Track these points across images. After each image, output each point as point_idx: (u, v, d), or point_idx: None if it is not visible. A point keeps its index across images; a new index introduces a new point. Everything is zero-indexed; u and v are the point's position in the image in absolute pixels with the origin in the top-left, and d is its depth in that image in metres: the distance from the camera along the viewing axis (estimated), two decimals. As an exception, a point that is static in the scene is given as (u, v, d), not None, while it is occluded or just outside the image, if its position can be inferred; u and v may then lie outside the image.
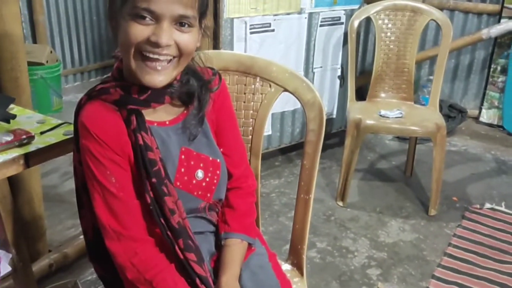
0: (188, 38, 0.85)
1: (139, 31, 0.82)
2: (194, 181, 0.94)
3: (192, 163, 0.94)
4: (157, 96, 0.89)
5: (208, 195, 0.97)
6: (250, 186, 1.06)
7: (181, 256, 0.88)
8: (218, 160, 0.98)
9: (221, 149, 1.00)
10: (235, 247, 0.98)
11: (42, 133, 1.17)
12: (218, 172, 0.97)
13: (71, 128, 1.19)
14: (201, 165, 0.95)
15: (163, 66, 0.85)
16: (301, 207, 1.16)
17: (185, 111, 0.96)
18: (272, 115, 2.57)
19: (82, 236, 1.91)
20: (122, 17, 0.83)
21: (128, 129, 0.88)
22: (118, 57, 0.92)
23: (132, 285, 0.87)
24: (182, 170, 0.93)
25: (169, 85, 0.89)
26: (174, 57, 0.85)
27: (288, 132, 2.70)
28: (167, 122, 0.93)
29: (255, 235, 1.05)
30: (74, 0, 3.84)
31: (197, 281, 0.89)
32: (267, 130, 2.58)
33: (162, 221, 0.87)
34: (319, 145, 1.11)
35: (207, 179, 0.96)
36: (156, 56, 0.83)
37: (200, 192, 0.95)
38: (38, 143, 1.12)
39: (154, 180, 0.87)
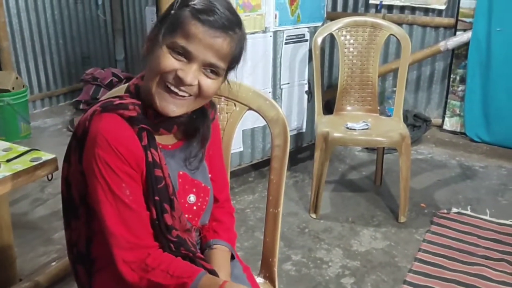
0: (211, 84, 0.90)
1: (170, 63, 0.87)
2: (186, 205, 0.99)
3: (186, 187, 0.99)
4: (168, 124, 0.94)
5: (196, 219, 1.02)
6: (231, 208, 1.14)
7: (199, 261, 0.95)
8: (209, 187, 1.03)
9: (210, 175, 1.05)
10: (224, 252, 1.04)
11: (8, 161, 1.17)
12: (207, 198, 1.02)
13: (39, 154, 1.20)
14: (194, 190, 1.00)
15: (180, 99, 0.89)
16: (271, 221, 1.19)
17: (185, 139, 1.01)
18: (243, 131, 2.61)
19: (54, 263, 1.89)
20: (159, 45, 0.87)
21: (141, 146, 0.92)
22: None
23: None
24: (177, 190, 0.98)
25: (179, 116, 0.93)
26: (191, 95, 0.90)
27: (259, 148, 2.74)
28: (170, 146, 0.99)
29: (235, 252, 1.11)
30: (38, 24, 3.82)
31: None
32: (239, 147, 2.61)
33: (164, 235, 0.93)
34: (285, 160, 1.15)
35: (198, 204, 1.01)
36: (176, 90, 0.88)
37: (190, 216, 1.00)
38: (5, 171, 1.12)
39: (157, 198, 0.91)
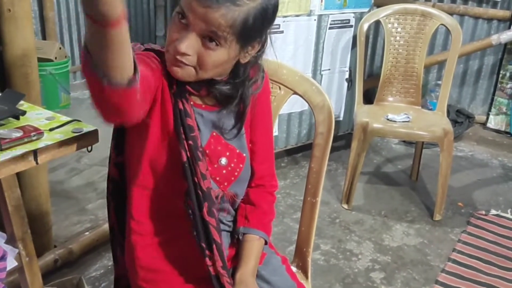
0: (209, 56, 0.84)
1: (172, 31, 0.85)
2: (216, 165, 0.95)
3: (219, 148, 0.95)
4: (195, 84, 0.90)
5: (226, 183, 0.97)
6: (273, 186, 1.07)
7: (206, 218, 0.90)
8: (244, 155, 0.98)
9: (251, 144, 1.01)
10: (253, 243, 0.99)
11: (51, 130, 1.17)
12: (241, 165, 0.98)
13: (80, 125, 1.20)
14: (227, 153, 0.96)
15: (181, 66, 0.85)
16: (308, 210, 1.16)
17: (219, 105, 0.96)
18: (279, 116, 2.56)
19: (87, 233, 1.93)
20: (175, 7, 0.86)
21: (170, 91, 0.90)
22: None
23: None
24: (207, 151, 0.94)
25: (211, 81, 0.90)
26: (192, 66, 0.85)
27: (294, 134, 2.70)
28: (203, 106, 0.94)
29: (271, 234, 1.06)
30: (84, -3, 3.86)
31: (214, 247, 0.90)
32: (274, 131, 2.58)
33: (195, 180, 0.89)
34: (328, 149, 1.12)
35: (229, 168, 0.96)
36: (176, 57, 0.84)
37: (218, 178, 0.96)
38: (47, 140, 1.12)
39: (190, 142, 0.89)
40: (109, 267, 1.85)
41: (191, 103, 0.92)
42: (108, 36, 0.63)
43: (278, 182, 1.10)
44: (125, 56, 0.67)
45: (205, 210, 0.90)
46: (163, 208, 0.96)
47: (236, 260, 1.00)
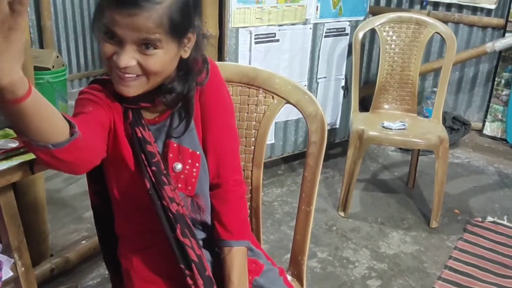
0: (151, 61, 0.83)
1: (106, 48, 0.84)
2: (173, 173, 0.95)
3: (171, 155, 0.95)
4: (146, 96, 0.90)
5: (189, 188, 0.97)
6: (233, 180, 1.01)
7: (181, 239, 0.90)
8: (198, 152, 0.97)
9: (205, 139, 0.98)
10: (229, 256, 0.97)
11: (47, 139, 1.18)
12: (197, 164, 0.97)
13: (76, 135, 1.21)
14: (179, 157, 0.96)
15: (131, 81, 0.85)
16: (302, 218, 1.16)
17: (170, 107, 0.95)
18: (276, 124, 2.58)
19: (84, 241, 1.93)
20: (98, 31, 0.85)
21: (125, 123, 0.91)
22: None
23: None
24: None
25: (160, 86, 0.90)
26: (139, 75, 0.85)
27: (291, 141, 2.71)
28: (156, 119, 0.95)
29: (249, 235, 1.03)
30: (81, 5, 3.89)
31: (193, 266, 0.91)
32: (270, 139, 2.59)
33: (164, 204, 0.90)
34: (321, 158, 1.12)
35: (186, 171, 0.96)
36: (120, 74, 0.84)
37: (180, 185, 0.96)
38: (43, 149, 1.13)
39: (154, 168, 0.90)
40: (106, 276, 1.85)
41: (146, 125, 0.92)
42: (25, 109, 0.65)
43: (242, 175, 1.05)
44: (51, 117, 0.70)
45: (178, 231, 0.91)
46: (145, 228, 0.98)
47: (220, 272, 0.98)
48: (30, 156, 1.09)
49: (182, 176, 0.96)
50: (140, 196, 0.92)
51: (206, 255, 0.99)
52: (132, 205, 0.97)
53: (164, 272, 0.98)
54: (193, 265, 0.91)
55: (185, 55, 0.90)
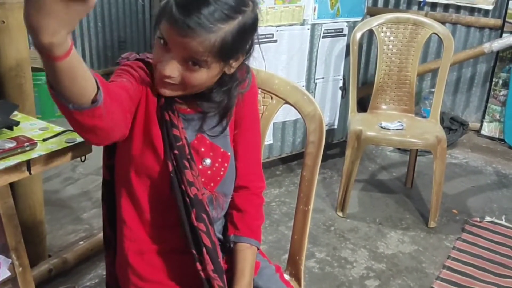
0: (193, 76, 0.86)
1: (156, 54, 0.88)
2: (200, 166, 0.96)
3: (202, 149, 0.97)
4: (183, 98, 0.93)
5: (212, 184, 0.98)
6: (259, 187, 1.07)
7: (195, 223, 0.90)
8: (229, 153, 0.99)
9: (236, 143, 1.02)
10: (246, 252, 1.00)
11: (44, 140, 1.18)
12: (226, 164, 0.99)
13: (73, 135, 1.21)
14: (211, 154, 0.97)
15: (168, 85, 0.89)
16: (300, 218, 1.17)
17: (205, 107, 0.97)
18: (274, 124, 2.58)
19: (82, 242, 1.93)
20: (155, 33, 0.88)
21: (157, 105, 0.93)
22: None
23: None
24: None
25: (197, 94, 0.92)
26: (178, 84, 0.88)
27: (289, 142, 2.71)
28: (188, 110, 0.96)
29: (261, 239, 1.06)
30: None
31: (204, 250, 0.91)
32: (268, 140, 2.59)
33: (183, 188, 0.90)
34: (319, 157, 1.12)
35: (214, 168, 0.98)
36: (161, 77, 0.88)
37: (203, 179, 0.96)
38: (40, 150, 1.13)
39: (176, 152, 0.91)
40: (104, 277, 1.84)
41: (176, 111, 0.94)
42: (58, 67, 0.65)
43: (265, 183, 1.09)
44: (80, 81, 0.69)
45: (193, 216, 0.91)
46: (154, 218, 0.96)
47: (230, 272, 1.00)
48: (28, 156, 1.09)
49: (208, 171, 0.97)
50: (156, 177, 0.93)
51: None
52: (144, 188, 0.95)
53: (167, 270, 0.97)
54: (204, 249, 0.91)
55: (229, 71, 0.92)
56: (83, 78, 0.70)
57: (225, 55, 0.86)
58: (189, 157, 0.92)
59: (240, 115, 1.01)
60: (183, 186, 0.91)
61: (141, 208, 0.96)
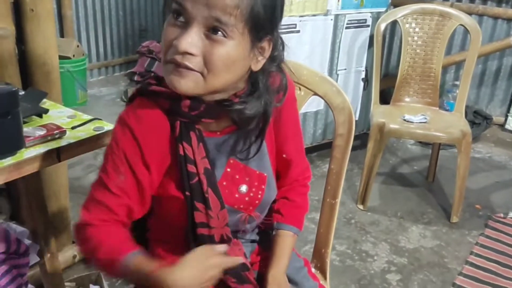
0: (217, 50, 0.72)
1: (169, 32, 0.74)
2: (236, 195, 0.90)
3: (237, 177, 0.90)
4: (210, 112, 0.81)
5: (251, 208, 0.93)
6: (306, 178, 1.04)
7: None
8: (265, 174, 0.92)
9: (286, 153, 0.97)
10: (286, 239, 0.97)
11: (73, 128, 1.19)
12: (263, 186, 0.92)
13: (101, 124, 1.22)
14: (247, 179, 0.90)
15: (185, 71, 0.73)
16: (327, 211, 1.16)
17: (237, 125, 0.87)
18: (295, 115, 2.56)
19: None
20: (168, 12, 0.76)
21: (171, 138, 0.84)
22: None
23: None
24: (224, 183, 0.89)
25: (226, 101, 0.80)
26: (197, 71, 0.73)
27: (309, 133, 2.69)
28: (218, 133, 0.87)
29: (302, 228, 1.03)
30: (101, -5, 3.90)
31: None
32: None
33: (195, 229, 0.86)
34: (348, 150, 1.11)
35: (251, 194, 0.91)
36: (175, 57, 0.73)
37: (241, 206, 0.91)
38: (70, 138, 1.14)
39: (187, 193, 0.84)
40: (126, 264, 1.86)
41: (204, 135, 0.84)
42: None
43: (310, 171, 1.06)
44: None
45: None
46: (178, 236, 0.92)
47: (265, 255, 0.99)
48: (57, 143, 1.11)
49: (246, 198, 0.91)
50: (176, 215, 0.88)
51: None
52: (168, 218, 0.92)
53: None
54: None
55: (256, 66, 0.79)
56: None
57: (254, 25, 0.73)
58: (206, 196, 0.83)
59: (280, 128, 0.93)
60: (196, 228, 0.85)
61: (168, 229, 0.94)
